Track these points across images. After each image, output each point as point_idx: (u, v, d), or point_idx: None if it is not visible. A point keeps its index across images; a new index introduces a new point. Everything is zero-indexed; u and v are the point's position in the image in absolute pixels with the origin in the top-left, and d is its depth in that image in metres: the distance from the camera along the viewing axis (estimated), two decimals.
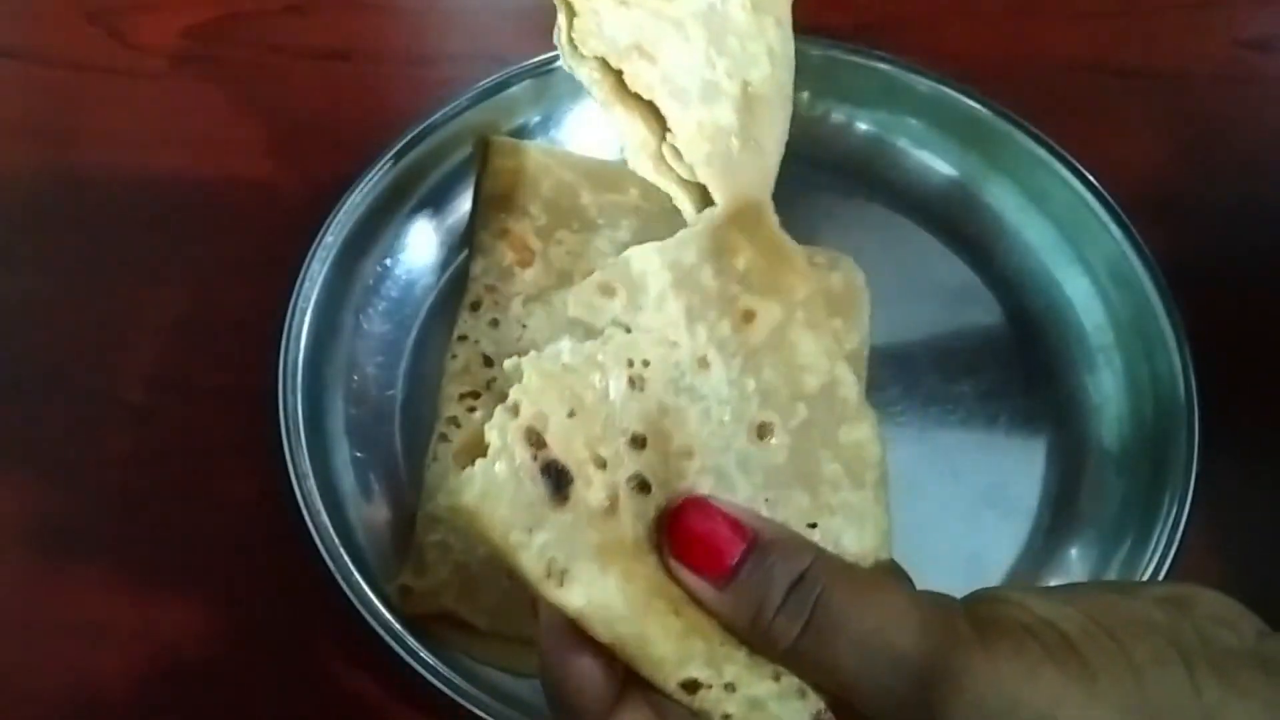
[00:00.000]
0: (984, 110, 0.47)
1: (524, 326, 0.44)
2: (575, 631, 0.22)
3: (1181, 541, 0.39)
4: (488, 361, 0.44)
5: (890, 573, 0.25)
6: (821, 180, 0.47)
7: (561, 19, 0.26)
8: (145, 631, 0.41)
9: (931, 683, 0.21)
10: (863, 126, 0.49)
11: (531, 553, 0.21)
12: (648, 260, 0.25)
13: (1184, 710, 0.21)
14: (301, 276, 0.43)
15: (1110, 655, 0.21)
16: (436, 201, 0.47)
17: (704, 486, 0.24)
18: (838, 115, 0.49)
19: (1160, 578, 0.39)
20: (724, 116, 0.26)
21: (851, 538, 0.25)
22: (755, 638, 0.23)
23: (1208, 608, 0.23)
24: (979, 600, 0.23)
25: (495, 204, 0.47)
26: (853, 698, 0.22)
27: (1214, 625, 0.22)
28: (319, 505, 0.39)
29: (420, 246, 0.47)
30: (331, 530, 0.39)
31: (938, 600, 0.23)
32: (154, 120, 0.52)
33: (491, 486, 0.21)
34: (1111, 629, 0.22)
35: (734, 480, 0.24)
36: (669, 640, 0.22)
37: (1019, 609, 0.22)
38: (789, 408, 0.25)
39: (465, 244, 0.47)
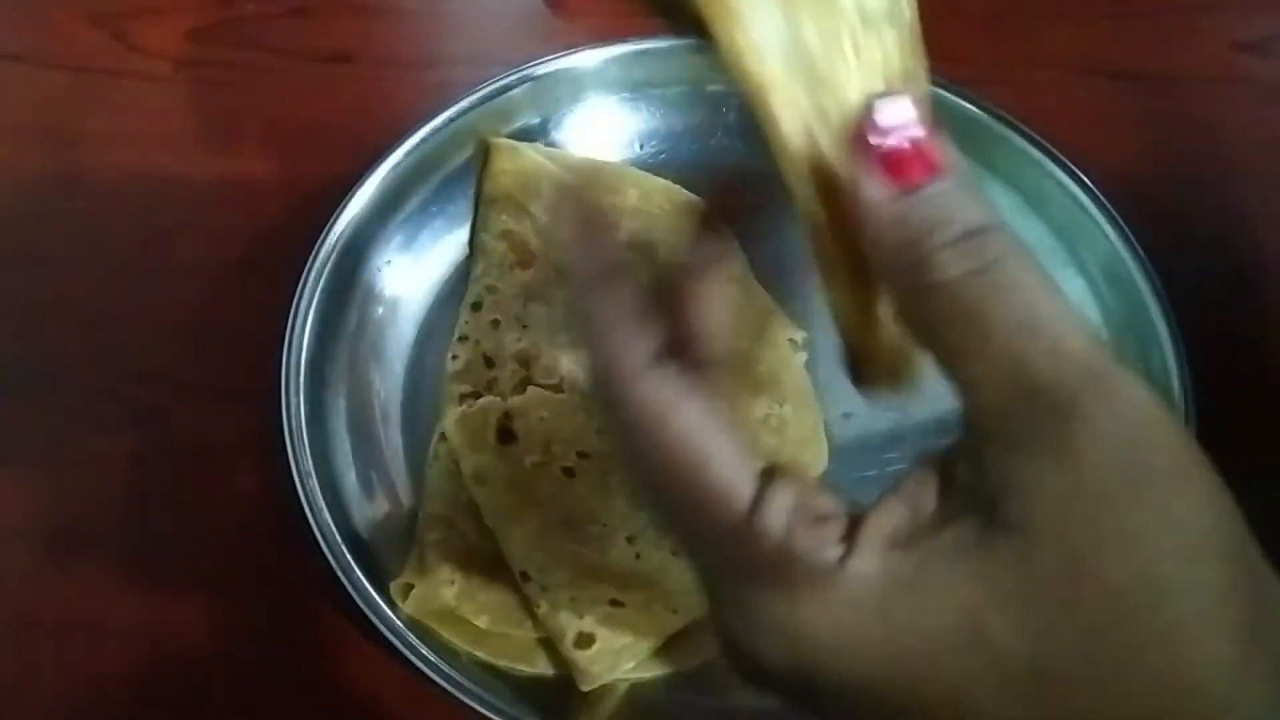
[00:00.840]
0: (979, 112, 0.47)
1: (524, 327, 0.45)
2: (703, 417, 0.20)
3: None
4: (488, 362, 0.44)
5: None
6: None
7: None
8: (146, 631, 0.41)
9: (1089, 388, 0.18)
10: None
11: None
12: None
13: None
14: (303, 277, 0.43)
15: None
16: (437, 203, 0.47)
17: None
18: None
19: None
20: None
21: None
22: (905, 260, 0.20)
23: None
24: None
25: (495, 205, 0.47)
26: (965, 381, 0.20)
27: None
28: (321, 504, 0.39)
29: (421, 247, 0.47)
30: (334, 529, 0.39)
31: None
32: (157, 122, 0.52)
33: None
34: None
35: None
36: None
37: None
38: None
39: (466, 245, 0.47)
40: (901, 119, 0.20)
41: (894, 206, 0.20)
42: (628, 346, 0.21)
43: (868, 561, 0.19)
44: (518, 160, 0.47)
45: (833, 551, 0.19)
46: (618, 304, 0.21)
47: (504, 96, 0.47)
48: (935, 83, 0.51)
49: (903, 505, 0.20)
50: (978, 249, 0.19)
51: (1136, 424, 0.18)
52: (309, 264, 0.43)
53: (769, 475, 0.20)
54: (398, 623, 0.38)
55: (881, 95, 0.21)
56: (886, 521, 0.20)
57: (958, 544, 0.19)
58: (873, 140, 0.20)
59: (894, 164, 0.20)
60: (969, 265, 0.19)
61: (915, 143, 0.20)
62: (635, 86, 0.49)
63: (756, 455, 0.21)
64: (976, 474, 0.19)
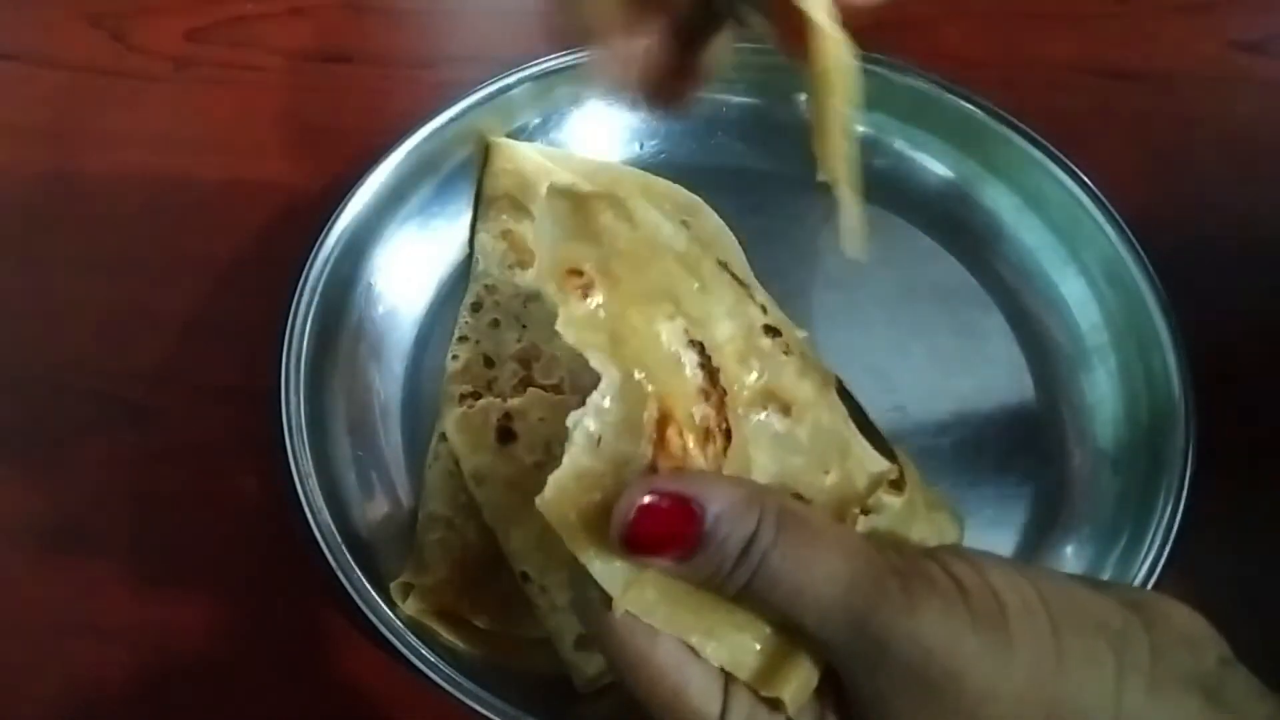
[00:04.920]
0: (980, 112, 0.47)
1: (524, 327, 0.45)
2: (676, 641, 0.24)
3: (1176, 540, 0.39)
4: (488, 361, 0.44)
5: (837, 521, 0.27)
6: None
7: None
8: (147, 630, 0.41)
9: (858, 633, 0.23)
10: (860, 129, 0.49)
11: None
12: None
13: (1095, 709, 0.22)
14: (303, 277, 0.43)
15: (1038, 636, 0.22)
16: (437, 203, 0.47)
17: None
18: None
19: (1155, 576, 0.39)
20: None
21: None
22: (713, 588, 0.24)
23: (1178, 625, 0.24)
24: (937, 554, 0.24)
25: (496, 205, 0.47)
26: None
27: (1176, 644, 0.23)
28: (320, 504, 0.39)
29: (421, 247, 0.47)
30: (334, 529, 0.39)
31: (878, 554, 0.24)
32: (157, 122, 0.52)
33: None
34: (1057, 614, 0.23)
35: None
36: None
37: (971, 570, 0.23)
38: None
39: (466, 245, 0.47)
40: (658, 526, 0.24)
41: (683, 569, 0.24)
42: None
43: None
44: (517, 160, 0.47)
45: None
46: None
47: (505, 96, 0.47)
48: (936, 83, 0.51)
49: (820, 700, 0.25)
50: (747, 563, 0.24)
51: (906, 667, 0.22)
52: (309, 264, 0.43)
53: (729, 692, 0.25)
54: (398, 623, 0.38)
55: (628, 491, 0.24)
56: (813, 707, 0.24)
57: None
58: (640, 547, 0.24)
59: (662, 549, 0.24)
60: (746, 575, 0.24)
61: (672, 525, 0.24)
62: None
63: (718, 677, 0.25)
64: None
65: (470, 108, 0.47)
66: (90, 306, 0.47)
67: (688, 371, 0.27)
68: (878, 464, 0.31)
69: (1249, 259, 0.48)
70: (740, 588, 0.24)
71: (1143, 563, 0.39)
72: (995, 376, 0.45)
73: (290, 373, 0.41)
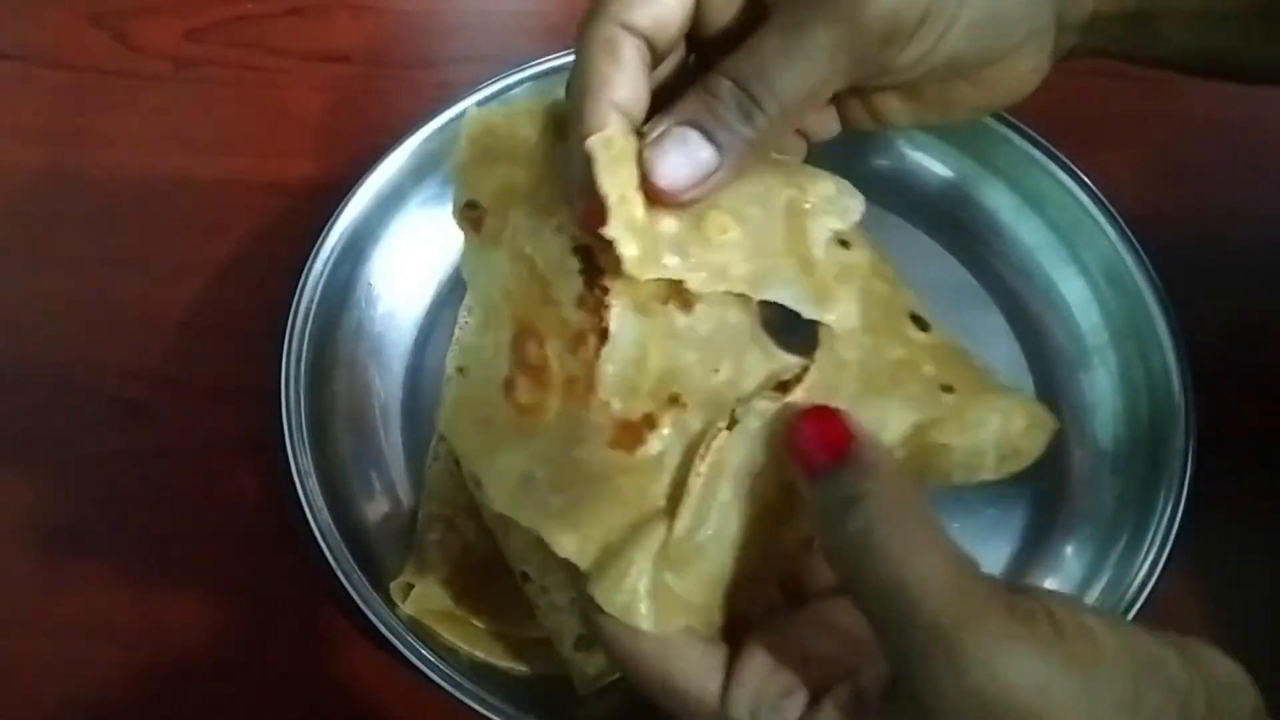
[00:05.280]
0: None
1: None
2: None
3: (1176, 540, 0.39)
4: None
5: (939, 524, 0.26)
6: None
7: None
8: (146, 630, 0.41)
9: (939, 645, 0.21)
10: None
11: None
12: None
13: None
14: (303, 277, 0.43)
15: (1123, 690, 0.22)
16: (437, 203, 0.47)
17: None
18: None
19: (1155, 576, 0.39)
20: None
21: None
22: (815, 528, 0.25)
23: (1223, 675, 0.23)
24: (1031, 590, 0.24)
25: None
26: (867, 619, 0.23)
27: (1222, 689, 0.23)
28: (321, 504, 0.39)
29: (421, 247, 0.47)
30: (334, 529, 0.39)
31: (982, 574, 0.23)
32: (157, 122, 0.52)
33: None
34: (1139, 668, 0.22)
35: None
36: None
37: (1068, 612, 0.23)
38: None
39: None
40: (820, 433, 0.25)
41: (807, 489, 0.25)
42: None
43: None
44: None
45: None
46: None
47: (504, 97, 0.47)
48: None
49: (851, 685, 0.24)
50: (854, 520, 0.23)
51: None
52: (309, 264, 0.43)
53: (735, 665, 0.25)
54: (398, 623, 0.38)
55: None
56: (841, 693, 0.24)
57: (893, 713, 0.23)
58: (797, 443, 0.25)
59: (804, 458, 0.25)
60: (847, 533, 0.23)
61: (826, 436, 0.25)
62: None
63: (718, 654, 0.25)
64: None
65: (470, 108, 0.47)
66: (90, 306, 0.47)
67: (567, 280, 0.27)
68: (778, 361, 0.28)
69: (1249, 259, 0.48)
70: (833, 546, 0.23)
71: (1143, 563, 0.39)
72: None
73: (290, 373, 0.41)
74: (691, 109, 0.26)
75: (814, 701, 0.25)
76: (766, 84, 0.26)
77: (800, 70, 0.26)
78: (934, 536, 0.23)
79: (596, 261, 0.27)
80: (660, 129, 0.26)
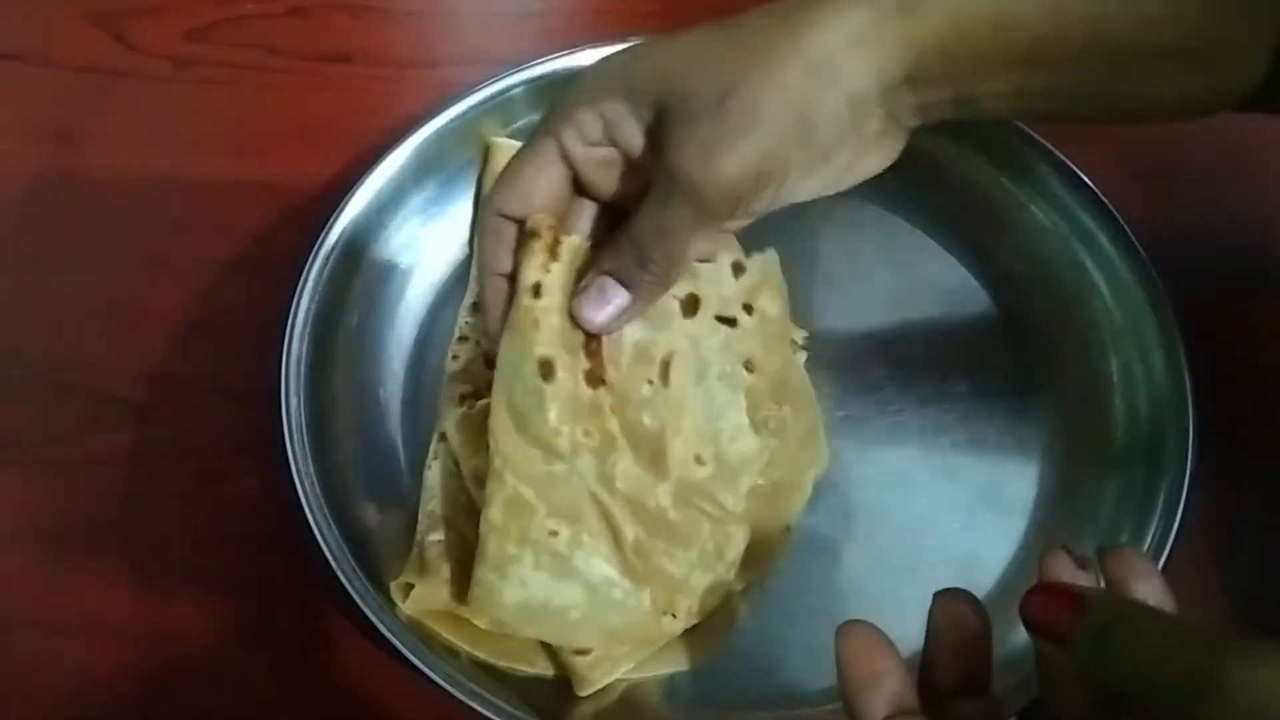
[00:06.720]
0: None
1: None
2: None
3: (1176, 539, 0.39)
4: (488, 361, 0.44)
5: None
6: None
7: None
8: (147, 630, 0.41)
9: (1201, 686, 0.22)
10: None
11: None
12: None
13: None
14: (303, 277, 0.43)
15: None
16: (437, 203, 0.47)
17: None
18: None
19: None
20: None
21: None
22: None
23: None
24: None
25: None
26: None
27: None
28: (321, 504, 0.39)
29: (421, 247, 0.47)
30: (334, 529, 0.39)
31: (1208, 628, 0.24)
32: (157, 122, 0.52)
33: None
34: None
35: None
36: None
37: None
38: None
39: (466, 245, 0.47)
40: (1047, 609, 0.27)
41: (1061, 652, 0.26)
42: None
43: None
44: None
45: None
46: None
47: (504, 96, 0.47)
48: None
49: None
50: (1112, 651, 0.25)
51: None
52: (309, 264, 0.43)
53: None
54: (397, 623, 0.38)
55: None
56: None
57: None
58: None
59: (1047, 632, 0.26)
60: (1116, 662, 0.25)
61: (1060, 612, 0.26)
62: None
63: None
64: None
65: (470, 108, 0.47)
66: (90, 306, 0.47)
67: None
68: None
69: (1249, 259, 0.48)
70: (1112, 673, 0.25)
71: None
72: (994, 377, 0.45)
73: (290, 373, 0.41)
74: (607, 262, 0.34)
75: None
76: (651, 244, 0.33)
77: (670, 237, 0.33)
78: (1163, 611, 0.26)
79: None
80: (584, 281, 0.35)
